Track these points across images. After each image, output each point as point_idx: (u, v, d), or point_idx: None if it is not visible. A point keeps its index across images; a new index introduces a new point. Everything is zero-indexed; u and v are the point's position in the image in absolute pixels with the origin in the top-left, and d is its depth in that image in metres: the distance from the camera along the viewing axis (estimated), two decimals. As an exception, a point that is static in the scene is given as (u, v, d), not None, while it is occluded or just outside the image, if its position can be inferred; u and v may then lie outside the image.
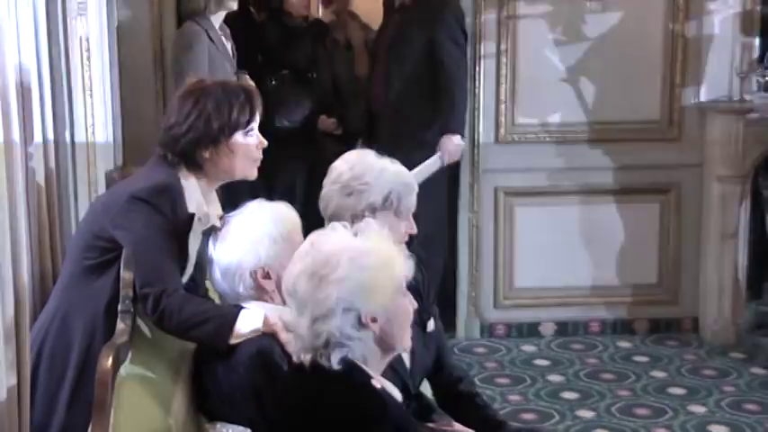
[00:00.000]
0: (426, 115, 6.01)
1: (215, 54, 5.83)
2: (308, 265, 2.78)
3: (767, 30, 6.52)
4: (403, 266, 2.83)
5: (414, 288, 2.99)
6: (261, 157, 3.45)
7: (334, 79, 6.84)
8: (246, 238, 3.30)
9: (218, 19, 5.92)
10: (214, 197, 3.46)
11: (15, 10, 3.40)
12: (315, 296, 2.73)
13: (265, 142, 3.45)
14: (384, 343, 2.81)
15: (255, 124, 3.42)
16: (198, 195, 3.35)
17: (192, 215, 3.32)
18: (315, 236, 2.91)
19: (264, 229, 3.32)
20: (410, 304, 2.88)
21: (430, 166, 5.75)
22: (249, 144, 3.40)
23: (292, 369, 2.91)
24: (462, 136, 6.08)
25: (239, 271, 3.29)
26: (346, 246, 2.81)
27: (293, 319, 2.79)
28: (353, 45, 7.10)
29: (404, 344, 2.89)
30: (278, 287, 3.25)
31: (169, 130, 3.33)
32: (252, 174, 3.45)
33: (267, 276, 3.30)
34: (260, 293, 3.31)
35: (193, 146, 3.32)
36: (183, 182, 3.33)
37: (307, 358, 2.76)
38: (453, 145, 6.00)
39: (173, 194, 3.27)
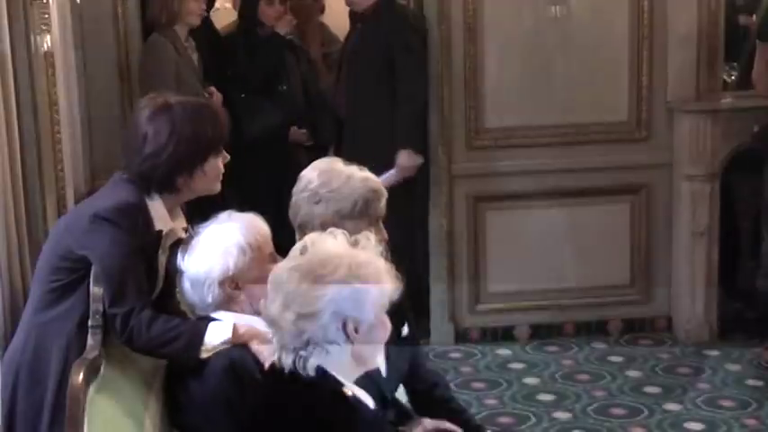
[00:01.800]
0: (386, 126, 6.02)
1: (181, 66, 5.85)
2: (304, 262, 2.80)
3: (732, 28, 6.57)
4: (392, 285, 2.84)
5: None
6: (223, 170, 3.46)
7: (305, 90, 6.83)
8: (216, 249, 3.30)
9: (183, 31, 5.93)
10: (179, 211, 3.47)
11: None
12: (306, 293, 2.74)
13: (228, 157, 3.46)
14: (358, 355, 2.82)
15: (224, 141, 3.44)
16: (163, 212, 3.35)
17: (160, 232, 3.31)
18: (314, 236, 2.94)
19: (233, 240, 3.31)
20: (389, 324, 2.89)
21: (386, 179, 5.71)
22: (218, 164, 3.42)
23: (269, 371, 2.92)
24: (416, 150, 6.08)
25: (208, 281, 3.28)
26: (346, 252, 2.84)
27: (276, 313, 2.79)
28: (311, 57, 7.09)
29: (372, 363, 2.91)
30: (248, 297, 3.25)
31: (144, 160, 3.30)
32: (216, 189, 3.46)
33: (237, 287, 3.30)
34: (230, 304, 3.31)
35: (170, 174, 3.32)
36: (148, 200, 3.32)
37: (287, 362, 2.76)
38: (407, 160, 6.01)
39: (136, 212, 3.26)
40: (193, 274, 3.30)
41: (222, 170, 3.44)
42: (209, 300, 3.30)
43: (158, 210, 3.33)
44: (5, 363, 3.30)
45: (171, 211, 3.38)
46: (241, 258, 3.30)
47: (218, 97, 6.00)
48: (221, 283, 3.29)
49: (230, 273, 3.28)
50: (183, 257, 3.32)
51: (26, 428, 3.32)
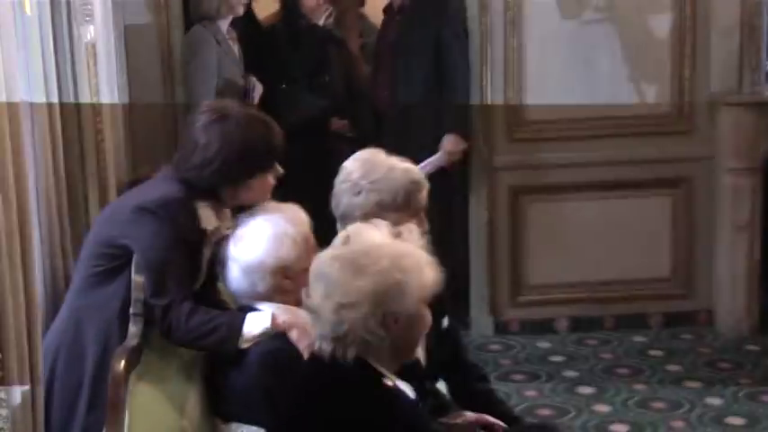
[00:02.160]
0: (431, 115, 6.05)
1: (223, 58, 5.86)
2: (347, 252, 2.81)
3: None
4: (433, 278, 2.84)
5: None
6: (273, 184, 3.47)
7: (348, 81, 6.83)
8: (269, 239, 3.33)
9: (225, 23, 5.95)
10: (226, 212, 3.46)
11: (21, 18, 3.41)
12: (347, 283, 2.74)
13: (281, 171, 3.46)
14: (396, 348, 2.82)
15: (276, 160, 3.44)
16: (209, 212, 3.37)
17: (204, 230, 3.33)
18: (358, 227, 2.95)
19: (285, 230, 3.35)
20: (429, 317, 2.88)
21: (432, 162, 5.76)
22: (267, 179, 3.44)
23: (310, 359, 2.93)
24: (463, 136, 6.10)
25: (261, 270, 3.31)
26: (388, 244, 2.85)
27: (317, 301, 2.79)
28: (350, 48, 7.08)
29: (412, 355, 2.90)
30: (296, 287, 3.26)
31: (191, 168, 3.33)
32: (264, 200, 3.48)
33: (286, 277, 3.32)
34: (279, 293, 3.33)
35: (216, 184, 3.35)
36: (196, 200, 3.34)
37: (327, 351, 2.77)
38: (453, 145, 6.04)
39: (180, 208, 3.28)
40: (246, 262, 3.32)
41: (272, 185, 3.46)
42: (261, 289, 3.32)
43: (205, 210, 3.35)
44: (46, 344, 3.33)
45: (218, 212, 3.40)
46: (293, 249, 3.33)
47: (259, 88, 6.01)
48: (273, 273, 3.31)
49: (283, 263, 3.31)
50: (234, 246, 3.34)
51: (62, 409, 3.36)
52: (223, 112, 3.39)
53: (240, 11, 6.02)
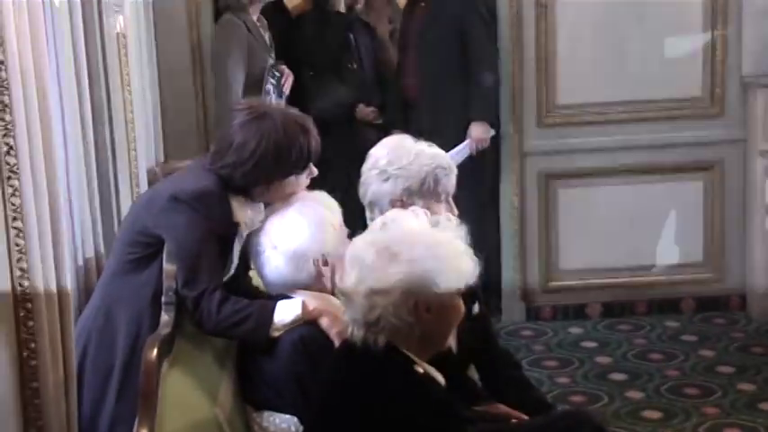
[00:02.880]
0: (459, 102, 6.06)
1: (254, 46, 5.87)
2: (383, 238, 2.80)
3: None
4: (469, 268, 2.82)
5: None
6: (307, 184, 3.48)
7: (377, 68, 6.83)
8: (310, 226, 3.34)
9: (255, 11, 5.95)
10: (259, 205, 3.46)
11: (50, 10, 3.43)
12: (380, 269, 2.74)
13: (315, 172, 3.47)
14: (428, 336, 2.81)
15: (311, 163, 3.44)
16: (243, 204, 3.37)
17: (237, 223, 3.34)
18: (395, 213, 2.95)
19: (324, 217, 3.37)
20: (462, 307, 2.88)
21: (460, 151, 5.77)
22: (300, 180, 3.44)
23: (341, 345, 2.94)
24: (490, 122, 6.11)
25: (305, 257, 3.33)
26: (424, 231, 2.83)
27: (350, 286, 2.80)
28: (379, 34, 7.07)
29: (444, 345, 2.89)
30: (334, 273, 3.27)
31: (225, 166, 3.33)
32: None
33: (325, 263, 3.34)
34: (318, 280, 3.35)
35: (248, 183, 3.35)
36: (229, 193, 3.35)
37: (358, 337, 2.77)
38: (480, 132, 6.05)
39: (214, 200, 3.28)
40: (291, 250, 3.33)
41: (306, 185, 3.47)
42: (303, 276, 3.34)
43: (238, 202, 3.36)
44: (78, 328, 3.36)
45: (251, 205, 3.40)
46: (334, 235, 3.35)
47: (289, 75, 6.02)
48: (315, 260, 3.33)
49: (324, 249, 3.33)
50: (275, 235, 3.35)
51: (93, 393, 3.38)
52: (261, 111, 3.38)
53: (268, -1, 6.04)
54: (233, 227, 3.34)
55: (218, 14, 6.11)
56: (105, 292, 3.44)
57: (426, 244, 2.77)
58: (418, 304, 2.74)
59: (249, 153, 3.29)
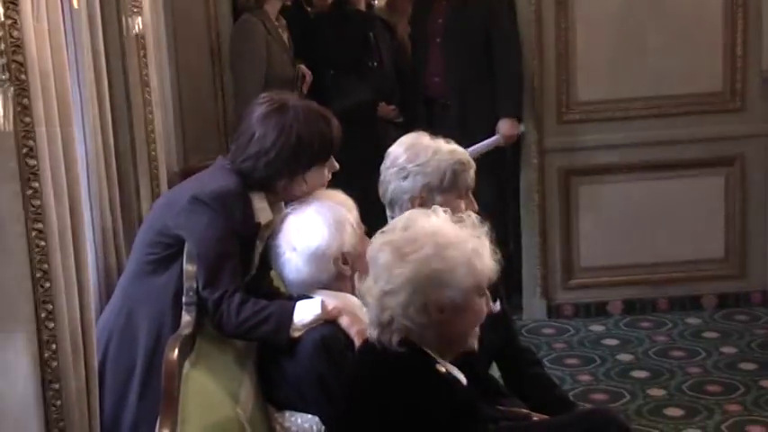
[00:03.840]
0: (488, 98, 6.09)
1: (273, 46, 5.87)
2: (396, 238, 2.79)
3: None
4: (487, 266, 2.80)
5: None
6: (329, 179, 3.47)
7: (397, 66, 6.82)
8: (330, 225, 3.33)
9: (274, 11, 5.96)
10: (281, 205, 3.46)
11: (69, 11, 3.44)
12: (390, 269, 2.73)
13: (337, 166, 3.46)
14: (446, 336, 2.79)
15: (332, 154, 3.44)
16: (264, 204, 3.37)
17: (258, 224, 3.34)
18: (415, 213, 2.92)
19: (344, 217, 3.36)
20: (485, 306, 2.85)
21: (487, 144, 5.78)
22: (323, 174, 3.43)
23: (362, 345, 2.93)
24: (518, 118, 6.12)
25: (325, 257, 3.32)
26: (438, 232, 2.79)
27: (366, 287, 2.80)
28: (399, 33, 7.06)
29: (467, 344, 2.87)
30: (355, 273, 3.27)
31: (246, 159, 3.33)
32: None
33: (345, 262, 3.33)
34: (338, 280, 3.34)
35: (270, 176, 3.34)
36: (250, 192, 3.35)
37: (374, 336, 2.77)
38: (509, 128, 6.08)
39: (235, 200, 3.28)
40: (310, 250, 3.31)
41: (328, 179, 3.46)
42: (323, 276, 3.33)
43: (259, 202, 3.36)
44: (99, 329, 3.36)
45: (272, 204, 3.40)
46: (353, 234, 3.34)
47: (308, 75, 6.02)
48: (336, 259, 3.32)
49: (343, 248, 3.32)
50: (294, 235, 3.34)
51: (114, 393, 3.40)
52: (281, 102, 3.38)
53: (287, -1, 6.05)
54: (254, 227, 3.34)
55: (236, 15, 6.12)
56: (126, 293, 3.45)
57: (436, 245, 2.74)
58: (428, 305, 2.72)
59: (271, 143, 3.30)
